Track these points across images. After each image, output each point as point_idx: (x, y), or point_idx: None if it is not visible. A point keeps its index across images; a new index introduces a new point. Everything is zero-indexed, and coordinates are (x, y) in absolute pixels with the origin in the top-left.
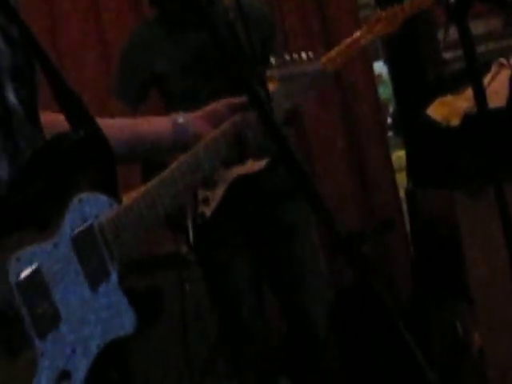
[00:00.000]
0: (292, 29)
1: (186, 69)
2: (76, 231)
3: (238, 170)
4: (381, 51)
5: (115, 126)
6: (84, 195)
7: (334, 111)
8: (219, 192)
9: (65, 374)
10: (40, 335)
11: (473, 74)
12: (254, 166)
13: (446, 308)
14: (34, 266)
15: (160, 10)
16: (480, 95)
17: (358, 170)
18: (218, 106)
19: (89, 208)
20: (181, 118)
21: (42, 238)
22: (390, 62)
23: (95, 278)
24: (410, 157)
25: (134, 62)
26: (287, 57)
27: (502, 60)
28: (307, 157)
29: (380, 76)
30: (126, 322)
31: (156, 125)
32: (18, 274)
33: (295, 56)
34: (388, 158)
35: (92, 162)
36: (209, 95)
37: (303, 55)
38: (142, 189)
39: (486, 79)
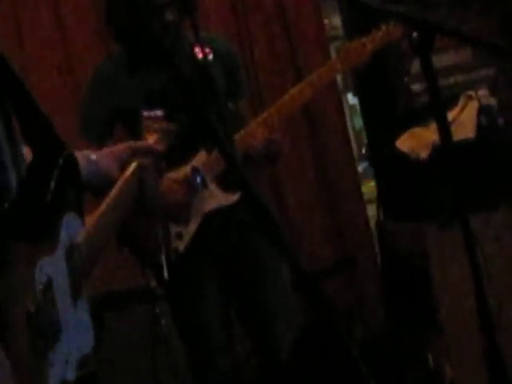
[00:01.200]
0: (261, 60)
1: (152, 106)
2: (67, 246)
3: (211, 204)
4: (351, 82)
5: None
6: (70, 214)
7: (303, 143)
8: (192, 226)
9: None
10: (50, 347)
11: (436, 108)
12: (227, 199)
13: (418, 339)
14: (46, 277)
15: (124, 47)
16: (444, 129)
17: (328, 202)
18: (122, 147)
19: (72, 227)
20: (93, 155)
21: (50, 250)
22: (360, 94)
23: (76, 293)
24: (380, 188)
25: (98, 98)
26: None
27: (470, 92)
28: (277, 189)
29: (354, 107)
30: (89, 340)
31: None
32: (41, 283)
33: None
34: (358, 190)
35: (71, 185)
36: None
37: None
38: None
39: (454, 112)
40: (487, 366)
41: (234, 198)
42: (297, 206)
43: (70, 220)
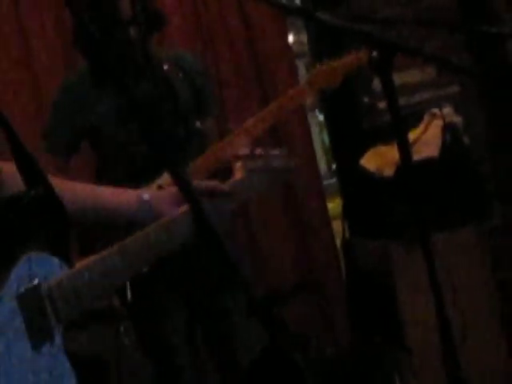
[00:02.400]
0: (226, 79)
1: (120, 122)
2: (22, 289)
3: None
4: (317, 100)
5: (73, 189)
6: (33, 254)
7: None
8: None
9: None
10: None
11: (396, 127)
12: None
13: (385, 359)
14: None
15: (92, 62)
16: (404, 147)
17: (294, 221)
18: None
19: (37, 267)
20: (146, 195)
21: None
22: (326, 111)
23: (38, 338)
24: (346, 206)
25: (65, 114)
26: (258, 150)
27: (434, 110)
28: (243, 207)
29: (323, 123)
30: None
31: (120, 196)
32: None
33: (265, 151)
34: (324, 208)
35: (44, 222)
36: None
37: (273, 151)
38: (98, 256)
39: (419, 130)
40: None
41: None
42: (262, 226)
43: (36, 261)
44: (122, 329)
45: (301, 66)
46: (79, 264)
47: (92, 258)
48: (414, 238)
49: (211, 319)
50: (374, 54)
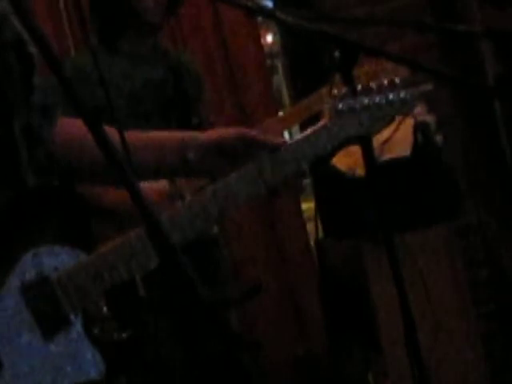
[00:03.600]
0: None
1: (133, 103)
2: (27, 283)
3: None
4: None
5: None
6: (42, 249)
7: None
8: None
9: None
10: None
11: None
12: None
13: (359, 360)
14: None
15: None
16: (368, 150)
17: (269, 223)
18: (229, 138)
19: (48, 260)
20: (191, 154)
21: None
22: None
23: (50, 328)
24: (319, 206)
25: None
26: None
27: None
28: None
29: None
30: (89, 367)
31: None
32: None
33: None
34: (299, 210)
35: (59, 214)
36: None
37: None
38: (117, 242)
39: (390, 129)
40: None
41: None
42: (236, 228)
43: (43, 254)
44: None
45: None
46: (95, 252)
47: (108, 245)
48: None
49: None
50: (336, 53)
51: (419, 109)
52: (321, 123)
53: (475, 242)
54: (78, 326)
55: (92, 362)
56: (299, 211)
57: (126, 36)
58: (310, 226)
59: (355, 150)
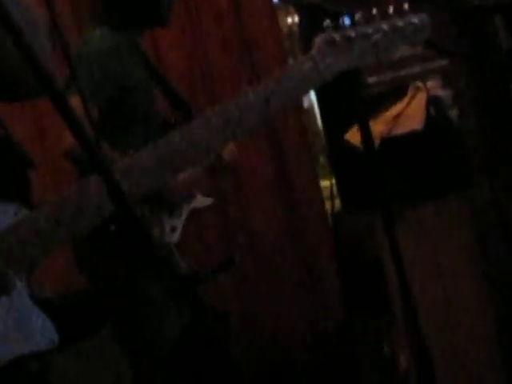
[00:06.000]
0: (214, 56)
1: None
2: None
3: (196, 203)
4: None
5: None
6: None
7: (261, 140)
8: (183, 219)
9: None
10: None
11: (358, 111)
12: (206, 200)
13: (374, 329)
14: None
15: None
16: (365, 131)
17: (287, 198)
18: None
19: None
20: None
21: None
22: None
23: None
24: (337, 181)
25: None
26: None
27: (419, 83)
28: (237, 185)
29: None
30: (37, 336)
31: None
32: None
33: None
34: (317, 185)
35: None
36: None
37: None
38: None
39: (402, 104)
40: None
41: (208, 200)
42: (255, 203)
43: None
44: None
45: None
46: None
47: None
48: (398, 211)
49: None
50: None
51: (432, 83)
52: (306, 56)
53: (489, 216)
54: (22, 290)
55: (40, 328)
56: (318, 186)
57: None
58: (328, 205)
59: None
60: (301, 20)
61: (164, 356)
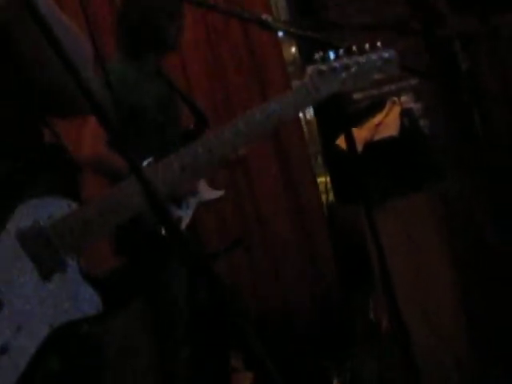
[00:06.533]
0: (230, 77)
1: (161, 104)
2: (22, 230)
3: (204, 196)
4: None
5: None
6: (34, 201)
7: (268, 146)
8: (190, 212)
9: (3, 349)
10: None
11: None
12: (215, 193)
13: (363, 297)
14: None
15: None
16: (350, 138)
17: (290, 192)
18: None
19: (41, 210)
20: None
21: None
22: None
23: (47, 269)
24: (331, 178)
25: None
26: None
27: (394, 99)
28: (248, 181)
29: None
30: (85, 304)
31: None
32: None
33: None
34: (314, 182)
35: (50, 171)
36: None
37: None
38: (104, 194)
39: (381, 115)
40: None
41: (219, 193)
42: (264, 196)
43: (37, 204)
44: None
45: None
46: (85, 201)
47: (97, 196)
48: (379, 202)
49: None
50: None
51: (405, 98)
52: (299, 82)
53: (454, 204)
54: (73, 267)
55: (88, 299)
56: (315, 182)
57: (148, 54)
58: (323, 198)
59: (354, 131)
60: (300, 50)
61: (184, 322)
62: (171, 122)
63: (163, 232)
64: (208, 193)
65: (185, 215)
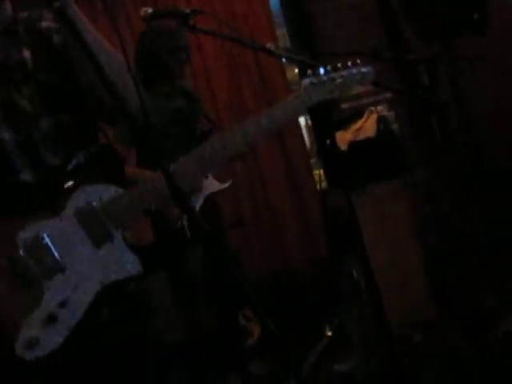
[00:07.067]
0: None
1: (174, 118)
2: (78, 210)
3: (210, 189)
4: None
5: None
6: (88, 187)
7: (275, 146)
8: (199, 204)
9: (64, 303)
10: (47, 277)
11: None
12: (220, 186)
13: (350, 264)
14: (36, 233)
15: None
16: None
17: (291, 181)
18: None
19: (93, 194)
20: None
21: (48, 217)
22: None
23: (98, 239)
24: (324, 170)
25: None
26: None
27: (372, 108)
28: (258, 173)
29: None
30: (128, 266)
31: None
32: (24, 239)
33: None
34: (311, 172)
35: (101, 165)
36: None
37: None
38: (142, 183)
39: (361, 121)
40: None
41: (225, 185)
42: (271, 188)
43: (90, 189)
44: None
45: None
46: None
47: (136, 185)
48: (361, 188)
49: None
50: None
51: (381, 108)
52: (294, 93)
53: (421, 191)
54: (119, 238)
55: (131, 263)
56: (311, 173)
57: (161, 81)
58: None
59: (341, 134)
60: (299, 71)
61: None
62: (186, 129)
63: (184, 220)
64: (215, 185)
65: (194, 205)
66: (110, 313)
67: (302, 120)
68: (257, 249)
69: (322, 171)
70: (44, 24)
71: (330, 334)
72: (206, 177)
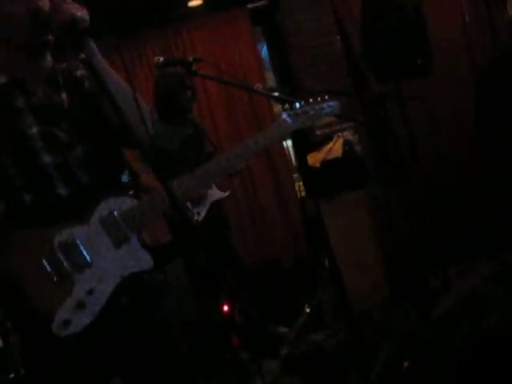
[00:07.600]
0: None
1: (184, 145)
2: (102, 217)
3: (214, 196)
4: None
5: None
6: (110, 199)
7: (264, 164)
8: (204, 209)
9: (90, 292)
10: (77, 271)
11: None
12: (222, 194)
13: (323, 257)
14: (69, 237)
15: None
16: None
17: (278, 191)
18: None
19: (114, 205)
20: None
21: (78, 224)
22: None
23: (118, 241)
24: (303, 183)
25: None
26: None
27: (339, 133)
28: (252, 184)
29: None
30: (142, 262)
31: None
32: (59, 242)
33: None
34: (293, 186)
35: (121, 182)
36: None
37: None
38: (150, 195)
39: (330, 144)
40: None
41: (225, 194)
42: (263, 196)
43: (112, 201)
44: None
45: None
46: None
47: (146, 197)
48: (330, 198)
49: None
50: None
51: (347, 133)
52: (276, 123)
53: (379, 201)
54: (135, 239)
55: (144, 259)
56: (294, 185)
57: (174, 114)
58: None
59: (315, 154)
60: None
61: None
62: (194, 154)
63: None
64: (217, 194)
65: (202, 210)
66: (129, 300)
67: (287, 143)
68: (250, 241)
69: (301, 183)
70: (79, 72)
71: (308, 310)
72: (210, 187)
